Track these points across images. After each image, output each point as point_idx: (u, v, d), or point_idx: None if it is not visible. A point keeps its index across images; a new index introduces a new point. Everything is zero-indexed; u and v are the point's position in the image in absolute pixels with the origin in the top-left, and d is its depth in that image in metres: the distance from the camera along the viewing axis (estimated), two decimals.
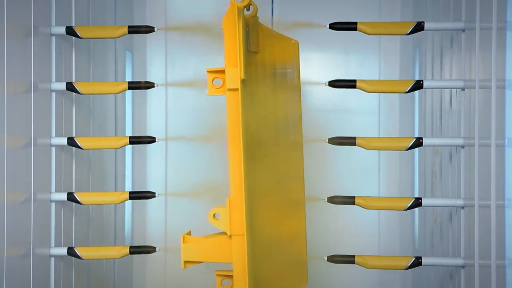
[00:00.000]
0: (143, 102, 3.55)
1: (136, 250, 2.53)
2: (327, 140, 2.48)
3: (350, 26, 2.48)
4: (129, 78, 3.45)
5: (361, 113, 3.55)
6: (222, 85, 2.25)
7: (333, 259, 2.47)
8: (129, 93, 3.41)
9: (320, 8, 3.39)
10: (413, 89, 2.46)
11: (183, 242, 2.30)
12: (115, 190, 3.20)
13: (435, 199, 2.72)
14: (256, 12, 2.39)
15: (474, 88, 2.24)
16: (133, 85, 2.56)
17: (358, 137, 2.46)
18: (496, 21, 2.01)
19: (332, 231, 3.50)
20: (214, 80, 2.26)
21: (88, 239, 2.84)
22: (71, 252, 2.51)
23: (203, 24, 3.22)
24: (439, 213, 2.84)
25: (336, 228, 3.51)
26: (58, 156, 2.55)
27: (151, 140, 2.53)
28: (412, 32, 2.45)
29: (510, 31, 1.95)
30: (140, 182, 3.53)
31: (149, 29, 2.53)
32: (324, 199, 2.48)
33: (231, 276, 2.27)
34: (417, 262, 2.44)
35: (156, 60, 3.57)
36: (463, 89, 2.41)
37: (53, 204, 2.52)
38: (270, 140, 2.51)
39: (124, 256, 2.53)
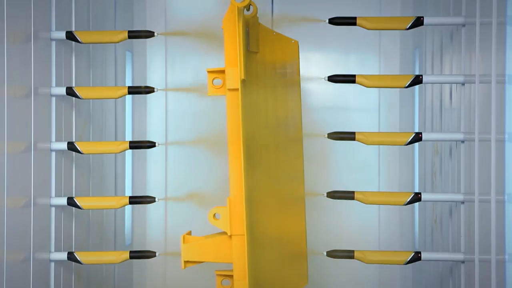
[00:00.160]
0: (143, 106, 3.55)
1: (136, 255, 2.52)
2: (326, 135, 2.47)
3: (350, 21, 2.47)
4: (129, 78, 3.45)
5: (361, 110, 3.56)
6: (222, 85, 2.25)
7: (332, 254, 2.47)
8: (129, 96, 3.41)
9: (321, 5, 3.39)
10: (412, 83, 2.45)
11: (183, 242, 2.30)
12: (115, 195, 3.20)
13: (435, 194, 2.72)
14: (256, 12, 2.39)
15: (474, 83, 2.24)
16: (133, 90, 2.55)
17: (357, 132, 2.46)
18: (496, 15, 2.01)
19: (333, 228, 3.50)
20: (214, 80, 2.26)
21: (88, 243, 2.84)
22: (71, 257, 2.51)
23: (203, 25, 3.23)
24: (438, 212, 2.84)
25: (336, 224, 3.52)
26: (58, 161, 2.54)
27: (151, 145, 2.52)
28: (411, 27, 2.45)
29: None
30: (140, 186, 3.54)
31: (149, 34, 2.53)
32: (323, 194, 2.48)
33: (231, 276, 2.27)
34: (417, 257, 2.44)
35: (156, 60, 3.57)
36: (463, 84, 2.41)
37: (53, 209, 2.52)
38: (270, 140, 2.51)
39: (124, 261, 2.53)
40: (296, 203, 2.62)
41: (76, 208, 2.57)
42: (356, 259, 2.46)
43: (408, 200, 2.45)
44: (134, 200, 2.54)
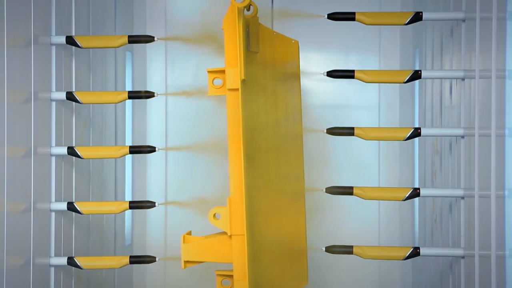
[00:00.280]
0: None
1: (136, 260, 2.52)
2: (325, 130, 2.47)
3: (348, 16, 2.47)
4: (129, 78, 3.45)
5: (361, 108, 3.56)
6: (223, 85, 2.25)
7: (331, 249, 2.46)
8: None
9: (321, 3, 3.40)
10: (411, 79, 2.44)
11: (183, 242, 2.30)
12: (115, 199, 3.19)
13: (434, 189, 2.71)
14: (257, 13, 2.40)
15: (474, 78, 2.24)
16: (133, 95, 2.55)
17: (356, 127, 2.46)
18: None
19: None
20: (214, 80, 2.26)
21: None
22: (71, 261, 2.51)
23: (203, 25, 3.22)
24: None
25: (336, 222, 3.52)
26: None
27: (151, 149, 2.52)
28: (410, 22, 2.44)
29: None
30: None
31: (149, 39, 2.53)
32: (322, 190, 2.48)
33: (231, 276, 2.27)
34: (415, 253, 2.43)
35: (156, 60, 3.57)
36: (463, 79, 2.41)
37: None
38: (270, 140, 2.50)
39: (124, 266, 2.53)
40: (296, 202, 2.62)
41: (76, 213, 2.57)
42: (355, 254, 2.45)
43: (407, 195, 2.44)
44: (134, 205, 2.54)
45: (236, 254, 2.23)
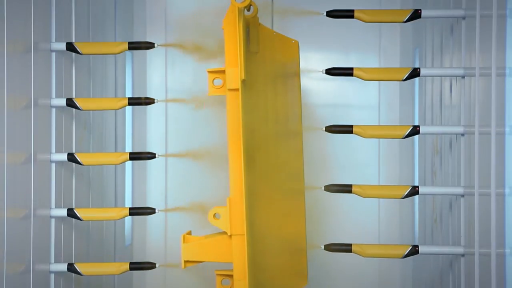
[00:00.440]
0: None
1: (136, 266, 2.52)
2: (324, 128, 2.47)
3: (347, 14, 2.46)
4: (129, 82, 3.45)
5: (361, 108, 3.56)
6: (223, 85, 2.26)
7: (330, 247, 2.46)
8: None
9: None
10: (410, 76, 2.44)
11: (183, 241, 2.30)
12: (115, 205, 3.20)
13: (433, 187, 2.71)
14: (257, 13, 2.40)
15: (474, 76, 2.23)
16: (133, 101, 2.55)
17: (355, 125, 2.45)
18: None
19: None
20: (215, 80, 2.27)
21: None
22: (71, 268, 2.50)
23: (203, 24, 3.23)
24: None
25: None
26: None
27: (151, 156, 2.52)
28: (409, 19, 2.44)
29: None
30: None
31: (149, 45, 2.54)
32: (321, 188, 2.47)
33: (231, 276, 2.28)
34: (414, 251, 2.43)
35: (156, 59, 3.56)
36: (463, 77, 2.40)
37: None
38: (271, 140, 2.51)
39: (124, 272, 2.52)
40: (296, 201, 2.62)
41: (76, 219, 2.57)
42: (354, 252, 2.45)
43: (406, 193, 2.44)
44: (134, 211, 2.54)
45: (236, 254, 2.23)
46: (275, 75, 2.59)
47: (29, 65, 2.31)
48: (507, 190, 1.96)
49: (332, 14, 2.47)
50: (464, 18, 2.39)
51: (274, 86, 2.58)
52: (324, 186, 2.47)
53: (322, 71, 2.48)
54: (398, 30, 3.54)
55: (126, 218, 3.34)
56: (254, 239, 2.27)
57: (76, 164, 2.60)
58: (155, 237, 3.57)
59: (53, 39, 2.51)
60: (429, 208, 3.02)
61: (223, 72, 2.25)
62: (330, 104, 3.56)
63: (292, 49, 2.65)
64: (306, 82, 3.38)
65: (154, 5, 3.56)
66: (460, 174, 2.44)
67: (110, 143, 3.13)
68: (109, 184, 3.13)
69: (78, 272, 2.50)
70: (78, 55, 2.60)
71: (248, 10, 2.35)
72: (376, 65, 3.55)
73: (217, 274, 2.33)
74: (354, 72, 2.46)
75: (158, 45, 2.54)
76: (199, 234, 2.41)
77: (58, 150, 2.53)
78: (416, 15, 2.43)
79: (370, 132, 2.47)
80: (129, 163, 3.44)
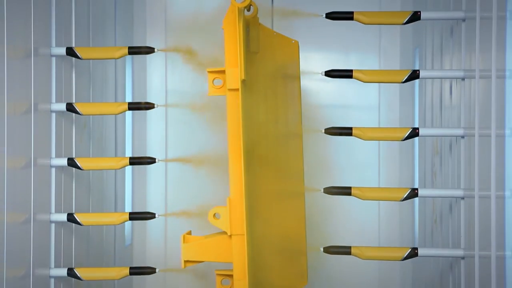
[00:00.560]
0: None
1: (136, 271, 2.52)
2: (323, 130, 2.46)
3: (347, 16, 2.46)
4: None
5: (361, 108, 3.56)
6: (223, 85, 2.26)
7: (329, 250, 2.46)
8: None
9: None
10: (409, 78, 2.44)
11: (183, 241, 2.30)
12: (115, 210, 3.20)
13: (432, 189, 2.70)
14: (257, 13, 2.40)
15: (474, 78, 2.23)
16: (133, 106, 2.56)
17: (354, 127, 2.45)
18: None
19: (332, 226, 3.50)
20: (215, 81, 2.27)
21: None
22: (71, 273, 2.50)
23: (202, 24, 3.23)
24: (438, 209, 2.82)
25: (336, 222, 3.52)
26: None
27: (151, 161, 2.52)
28: (408, 21, 2.43)
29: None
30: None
31: (149, 50, 2.54)
32: (320, 190, 2.47)
33: (231, 276, 2.28)
34: (414, 253, 2.43)
35: (156, 59, 3.55)
36: (463, 79, 2.40)
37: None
38: (270, 140, 2.51)
39: (124, 277, 2.52)
40: (296, 202, 2.62)
41: (76, 224, 2.57)
42: (353, 255, 2.45)
43: (405, 196, 2.43)
44: (134, 216, 2.54)
45: (236, 254, 2.23)
46: (275, 75, 2.59)
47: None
48: (507, 193, 1.95)
49: (331, 16, 2.46)
50: (464, 20, 2.38)
51: (274, 86, 2.58)
52: (324, 189, 2.46)
53: (321, 73, 2.47)
54: (398, 30, 3.53)
55: (126, 223, 3.37)
56: (254, 239, 2.27)
57: (76, 169, 2.60)
58: (155, 237, 3.57)
59: (53, 44, 2.51)
60: (429, 210, 3.01)
61: (223, 72, 2.25)
62: (330, 105, 3.56)
63: (292, 49, 2.65)
64: (306, 82, 3.38)
65: (154, 5, 3.56)
66: (460, 175, 2.43)
67: (110, 147, 3.13)
68: (109, 188, 3.13)
69: (78, 277, 2.50)
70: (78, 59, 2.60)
71: (248, 10, 2.35)
72: (376, 65, 3.54)
73: (217, 274, 2.33)
74: (354, 74, 2.45)
75: (158, 49, 2.54)
76: (199, 235, 2.40)
77: (58, 155, 2.53)
78: (415, 17, 2.43)
79: (370, 135, 2.47)
80: (129, 167, 3.44)
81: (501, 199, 1.98)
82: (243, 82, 2.22)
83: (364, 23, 2.47)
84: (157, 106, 2.53)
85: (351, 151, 3.50)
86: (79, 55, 2.53)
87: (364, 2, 3.39)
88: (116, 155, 3.20)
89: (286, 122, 2.63)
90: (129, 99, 3.43)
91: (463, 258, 2.39)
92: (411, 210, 3.43)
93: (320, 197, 2.48)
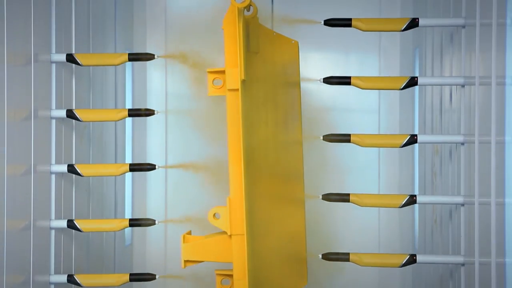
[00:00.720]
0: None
1: (136, 277, 2.52)
2: (322, 137, 2.46)
3: (345, 23, 2.46)
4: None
5: (361, 112, 3.55)
6: (223, 86, 2.26)
7: (327, 256, 2.46)
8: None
9: (321, 6, 3.39)
10: (407, 85, 2.44)
11: (183, 241, 2.30)
12: (115, 217, 3.21)
13: (431, 196, 2.70)
14: (257, 13, 2.40)
15: (474, 84, 2.23)
16: (133, 113, 2.56)
17: (352, 134, 2.45)
18: (496, 17, 1.99)
19: (332, 231, 3.50)
20: (215, 81, 2.27)
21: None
22: (71, 279, 2.50)
23: (203, 23, 3.23)
24: (438, 213, 2.82)
25: (336, 227, 3.51)
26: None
27: (151, 167, 2.53)
28: (407, 28, 2.44)
29: (511, 27, 1.93)
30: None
31: (149, 57, 2.55)
32: (319, 197, 2.47)
33: (231, 276, 2.28)
34: (412, 260, 2.42)
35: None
36: (463, 85, 2.40)
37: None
38: (270, 140, 2.51)
39: (124, 283, 2.52)
40: (295, 203, 2.62)
41: (76, 231, 2.57)
42: (351, 261, 2.45)
43: (403, 202, 2.44)
44: (134, 222, 2.54)
45: (236, 254, 2.24)
46: (275, 75, 2.59)
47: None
48: (507, 199, 1.95)
49: (330, 22, 2.46)
50: (464, 26, 2.38)
51: (274, 86, 2.58)
52: (322, 195, 2.46)
53: (320, 80, 2.48)
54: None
55: (126, 230, 3.37)
56: (254, 239, 2.27)
57: (76, 175, 2.60)
58: (155, 240, 3.56)
59: (53, 50, 2.51)
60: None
61: (223, 72, 2.26)
62: (330, 108, 3.55)
63: (292, 50, 2.65)
64: (306, 84, 3.37)
65: (154, 6, 3.56)
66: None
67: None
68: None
69: (78, 283, 2.50)
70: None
71: (248, 10, 2.35)
72: (376, 66, 3.53)
73: (217, 274, 2.33)
74: (352, 81, 2.46)
75: (158, 56, 2.54)
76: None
77: (58, 161, 2.53)
78: (413, 24, 2.43)
79: (368, 141, 2.47)
80: (129, 174, 3.43)
81: (501, 206, 1.97)
82: (243, 82, 2.22)
83: (362, 30, 2.47)
84: (157, 112, 2.53)
85: (351, 153, 3.49)
86: (79, 62, 2.53)
87: (364, 7, 3.39)
88: (116, 161, 3.20)
89: (286, 122, 2.64)
90: (129, 103, 3.43)
91: (463, 264, 2.38)
92: (411, 214, 3.43)
93: (320, 201, 2.48)
